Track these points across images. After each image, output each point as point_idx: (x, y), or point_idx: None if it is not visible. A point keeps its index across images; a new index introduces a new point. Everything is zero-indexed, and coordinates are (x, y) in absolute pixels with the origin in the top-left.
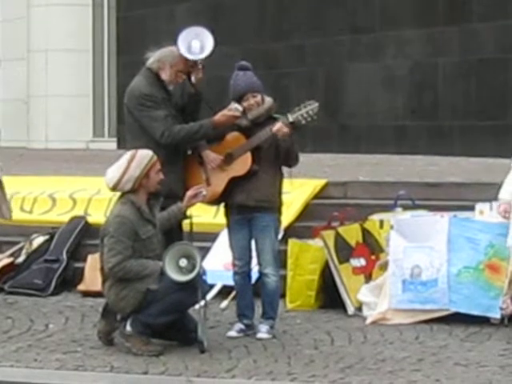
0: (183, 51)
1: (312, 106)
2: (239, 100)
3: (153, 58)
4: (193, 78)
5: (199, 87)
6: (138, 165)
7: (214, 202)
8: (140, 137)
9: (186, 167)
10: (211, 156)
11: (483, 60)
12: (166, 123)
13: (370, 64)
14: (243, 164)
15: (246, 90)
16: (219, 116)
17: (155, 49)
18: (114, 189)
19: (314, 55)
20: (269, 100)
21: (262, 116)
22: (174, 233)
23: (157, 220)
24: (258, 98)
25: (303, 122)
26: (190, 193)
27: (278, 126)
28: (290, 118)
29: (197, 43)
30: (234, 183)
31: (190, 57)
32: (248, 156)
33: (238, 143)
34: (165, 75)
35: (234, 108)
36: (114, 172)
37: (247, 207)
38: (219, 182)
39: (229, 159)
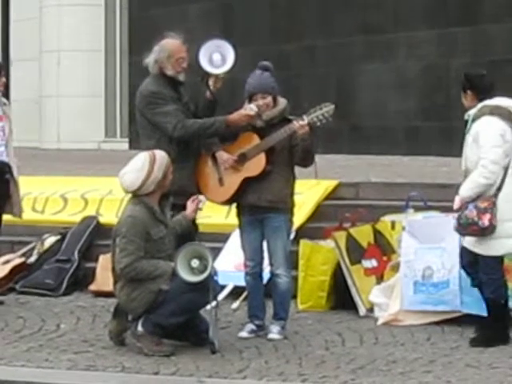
0: (204, 65)
1: (328, 108)
2: (249, 99)
3: (150, 63)
4: (211, 86)
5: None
6: (160, 166)
7: (227, 202)
8: (152, 135)
9: (198, 167)
10: (225, 156)
11: (495, 61)
12: (178, 116)
13: (382, 65)
14: (257, 164)
15: (256, 90)
16: (234, 114)
17: (147, 53)
18: (135, 191)
19: (325, 56)
20: (283, 101)
21: (276, 117)
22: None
23: (169, 221)
24: (268, 99)
25: (318, 123)
26: (190, 207)
27: (300, 125)
28: (306, 119)
29: (218, 56)
30: (247, 183)
31: (212, 70)
32: (262, 156)
33: (251, 143)
34: (168, 71)
35: (249, 108)
36: (135, 174)
37: (260, 208)
38: (232, 182)
39: (242, 159)
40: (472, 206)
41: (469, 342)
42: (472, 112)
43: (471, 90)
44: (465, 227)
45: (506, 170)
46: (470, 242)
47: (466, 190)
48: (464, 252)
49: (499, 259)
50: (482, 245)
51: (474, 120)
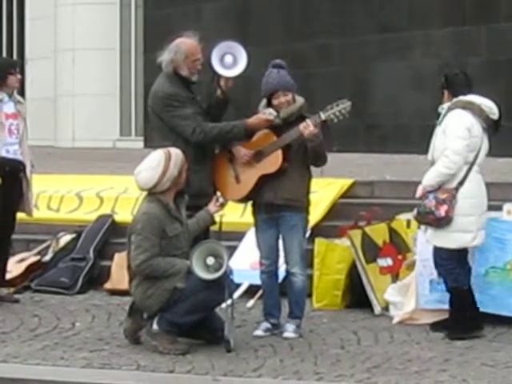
0: (216, 67)
1: (345, 105)
2: (270, 97)
3: (164, 61)
4: (222, 85)
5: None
6: (175, 164)
7: (243, 199)
8: (169, 136)
9: (214, 165)
10: (242, 151)
11: (511, 59)
12: (196, 120)
13: (398, 63)
14: (274, 162)
15: (277, 88)
16: (253, 119)
17: (162, 51)
18: (151, 189)
19: (341, 55)
20: (300, 99)
21: (293, 115)
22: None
23: (184, 218)
24: (289, 97)
25: (335, 120)
26: (214, 205)
27: (305, 125)
28: (323, 116)
29: (229, 58)
30: (264, 181)
31: (224, 73)
32: (279, 154)
33: (268, 140)
34: (183, 71)
35: (268, 112)
36: (150, 172)
37: (275, 206)
38: (249, 180)
39: (259, 156)
40: (432, 196)
41: (445, 335)
42: (446, 105)
43: (447, 88)
44: (423, 216)
45: (470, 165)
46: (428, 235)
47: (428, 178)
48: None
49: (453, 251)
50: (438, 237)
51: (446, 113)
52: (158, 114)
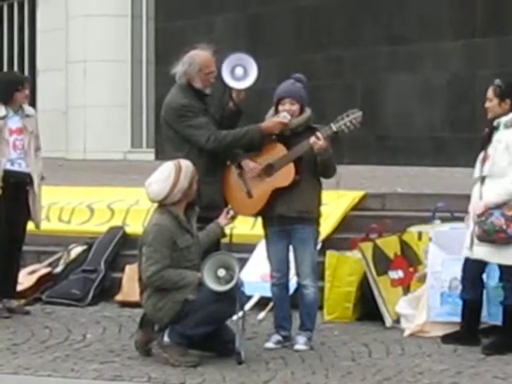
0: (227, 79)
1: (355, 115)
2: (277, 104)
3: (178, 73)
4: (234, 96)
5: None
6: (185, 176)
7: (256, 214)
8: (181, 148)
9: (224, 180)
10: (251, 164)
11: None
12: (210, 129)
13: (408, 75)
14: (286, 175)
15: (284, 95)
16: (267, 122)
17: (176, 62)
18: (161, 201)
19: (351, 67)
20: (308, 110)
21: (301, 125)
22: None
23: (195, 230)
24: (295, 106)
25: (346, 130)
26: (224, 217)
27: (314, 139)
28: (334, 127)
29: (240, 70)
30: (275, 194)
31: (234, 85)
32: (291, 167)
33: (276, 153)
34: (196, 83)
35: (283, 116)
36: (161, 184)
37: (288, 218)
38: (262, 194)
39: (270, 170)
40: (498, 213)
41: (481, 349)
42: (504, 119)
43: (511, 98)
44: (490, 234)
45: None
46: (486, 253)
47: (495, 196)
48: (471, 266)
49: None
50: (506, 254)
51: (506, 127)
52: (171, 125)
